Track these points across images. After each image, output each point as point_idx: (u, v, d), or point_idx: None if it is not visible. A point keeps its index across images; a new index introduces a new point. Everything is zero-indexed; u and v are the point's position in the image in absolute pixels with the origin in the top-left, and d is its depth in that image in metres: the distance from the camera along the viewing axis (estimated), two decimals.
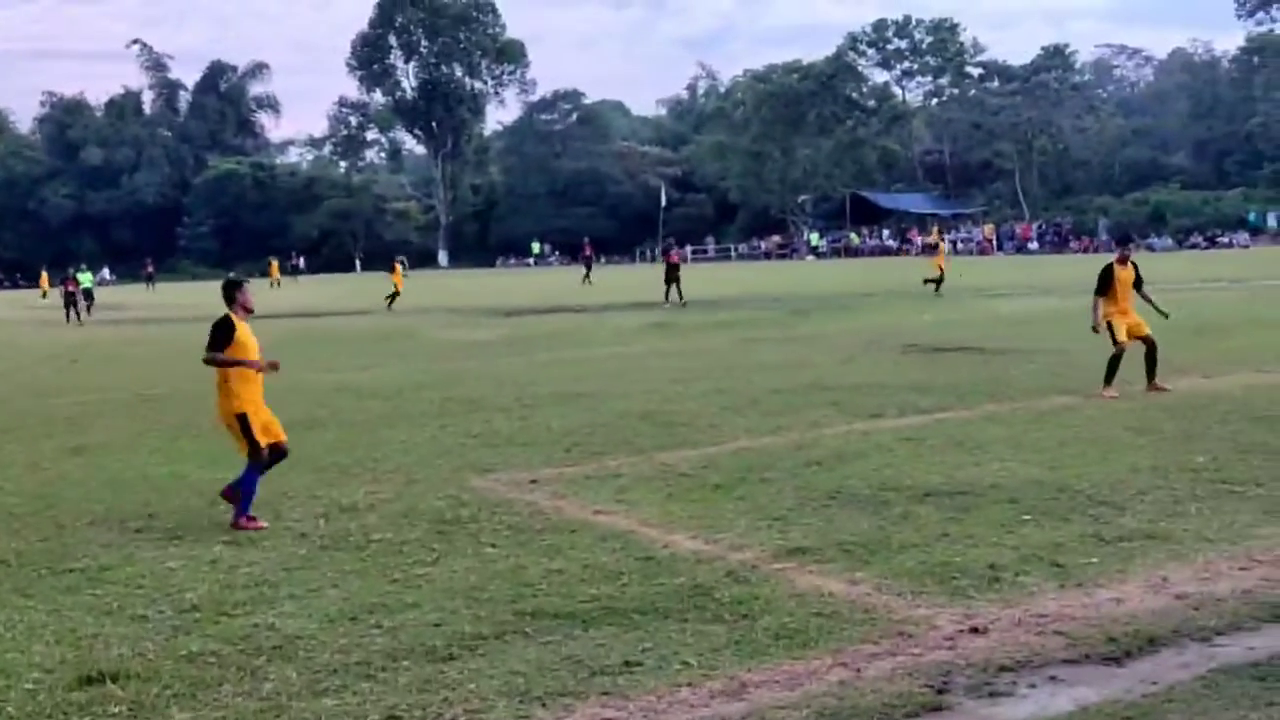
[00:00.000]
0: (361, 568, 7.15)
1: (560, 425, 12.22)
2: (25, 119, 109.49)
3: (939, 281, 33.51)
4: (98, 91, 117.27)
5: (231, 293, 8.60)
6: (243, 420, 8.32)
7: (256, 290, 9.26)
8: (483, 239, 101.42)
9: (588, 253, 53.82)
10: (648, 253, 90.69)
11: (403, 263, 43.13)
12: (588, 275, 50.12)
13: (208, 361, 8.43)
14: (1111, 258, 13.74)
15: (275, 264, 68.81)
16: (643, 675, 5.25)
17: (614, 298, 38.23)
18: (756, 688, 5.06)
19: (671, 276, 33.61)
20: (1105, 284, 13.23)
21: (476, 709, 4.95)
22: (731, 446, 10.65)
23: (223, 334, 8.37)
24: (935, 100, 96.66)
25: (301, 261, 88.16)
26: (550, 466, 10.08)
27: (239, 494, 8.37)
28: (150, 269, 72.53)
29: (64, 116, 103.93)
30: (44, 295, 60.12)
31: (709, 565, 6.86)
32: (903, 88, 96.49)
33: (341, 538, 7.90)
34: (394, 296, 38.52)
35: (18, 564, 7.59)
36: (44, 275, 66.39)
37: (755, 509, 8.20)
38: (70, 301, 38.98)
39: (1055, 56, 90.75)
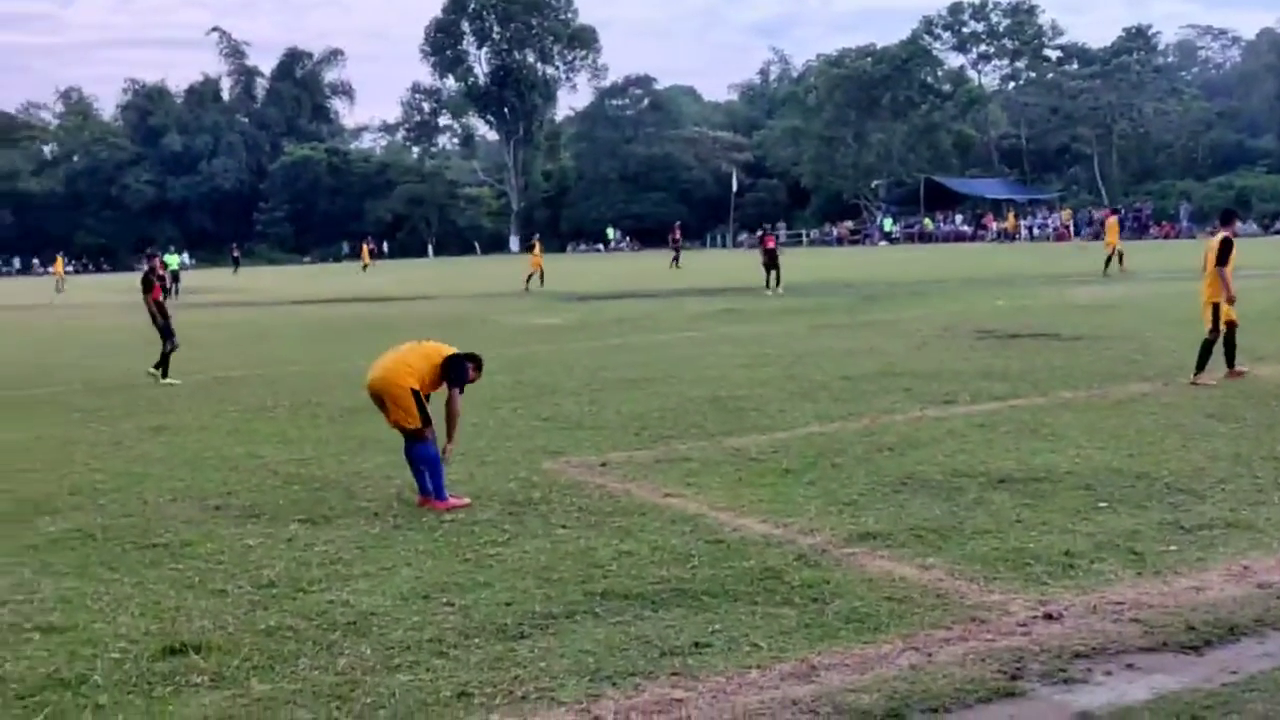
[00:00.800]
0: (434, 547, 7.24)
1: (630, 409, 12.25)
2: (109, 106, 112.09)
3: (1120, 256, 33.90)
4: (178, 79, 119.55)
5: (477, 362, 8.65)
6: (416, 395, 8.29)
7: (345, 273, 9.37)
8: (554, 225, 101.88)
9: (677, 237, 54.18)
10: (719, 238, 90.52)
11: (539, 242, 43.28)
12: (676, 259, 50.39)
13: (460, 393, 8.44)
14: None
15: (366, 248, 68.97)
16: (712, 656, 5.26)
17: (685, 283, 38.21)
18: (826, 670, 5.05)
19: (771, 262, 32.42)
20: (1229, 255, 12.56)
21: (547, 687, 4.99)
22: (802, 432, 10.60)
23: (463, 376, 8.47)
24: (1012, 84, 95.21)
25: (385, 246, 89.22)
26: (620, 450, 10.11)
27: (427, 479, 8.31)
28: (236, 253, 74.04)
29: (146, 103, 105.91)
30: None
31: (779, 549, 6.85)
32: (979, 71, 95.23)
33: (414, 518, 8.00)
34: (540, 276, 39.07)
35: (104, 538, 7.79)
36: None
37: (826, 494, 8.17)
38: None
39: (1137, 38, 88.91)
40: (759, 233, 42.11)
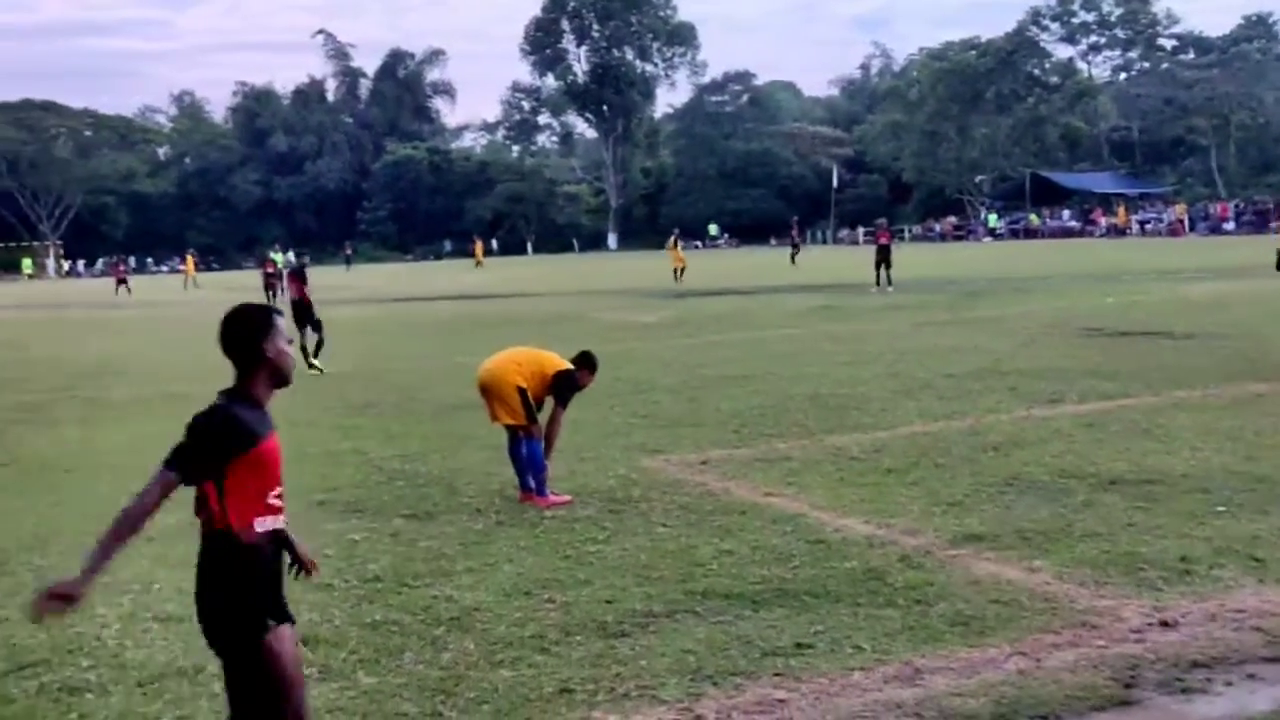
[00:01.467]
0: (535, 544, 7.28)
1: (729, 407, 12.20)
2: (219, 108, 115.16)
3: None
4: (285, 81, 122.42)
5: (592, 365, 8.74)
6: (522, 394, 8.37)
7: (448, 270, 9.45)
8: (652, 222, 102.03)
9: (795, 233, 54.39)
10: (820, 234, 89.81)
11: (678, 239, 43.63)
12: (796, 254, 50.48)
13: (564, 409, 8.57)
14: None
15: (480, 245, 69.35)
16: (814, 657, 5.21)
17: (784, 280, 37.97)
18: (931, 674, 4.97)
19: (882, 258, 31.66)
20: None
21: (648, 685, 4.98)
22: (904, 430, 10.46)
23: (573, 390, 8.58)
24: (1124, 75, 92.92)
25: (494, 244, 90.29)
26: (719, 448, 10.07)
27: (529, 476, 8.39)
28: (349, 251, 75.58)
29: (254, 105, 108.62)
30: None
31: (882, 550, 6.76)
32: (1088, 62, 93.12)
33: (516, 514, 8.06)
34: (678, 272, 39.91)
35: None
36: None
37: (929, 494, 8.04)
38: (270, 284, 40.53)
39: (1257, 25, 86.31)
40: (873, 227, 41.56)
